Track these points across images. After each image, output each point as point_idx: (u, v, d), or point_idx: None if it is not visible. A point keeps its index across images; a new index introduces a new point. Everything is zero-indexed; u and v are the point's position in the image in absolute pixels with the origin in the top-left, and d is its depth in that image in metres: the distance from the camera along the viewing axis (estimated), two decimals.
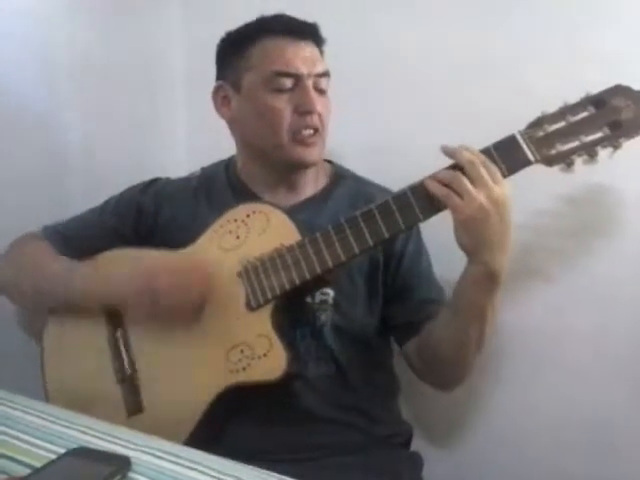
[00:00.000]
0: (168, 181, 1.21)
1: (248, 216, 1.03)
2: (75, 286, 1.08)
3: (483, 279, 0.92)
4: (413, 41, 1.24)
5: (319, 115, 1.04)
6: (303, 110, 1.03)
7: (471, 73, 1.19)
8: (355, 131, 1.26)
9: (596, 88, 1.02)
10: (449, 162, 0.92)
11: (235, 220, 1.03)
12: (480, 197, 0.86)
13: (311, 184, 1.12)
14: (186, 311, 1.01)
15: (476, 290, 0.93)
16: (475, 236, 0.89)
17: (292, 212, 1.04)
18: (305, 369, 1.05)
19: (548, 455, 1.20)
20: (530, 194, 1.02)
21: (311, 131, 1.04)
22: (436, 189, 0.90)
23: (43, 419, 0.78)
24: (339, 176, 1.15)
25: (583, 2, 1.09)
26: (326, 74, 1.06)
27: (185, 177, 1.21)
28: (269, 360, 0.96)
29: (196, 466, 0.68)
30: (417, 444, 1.18)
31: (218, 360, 0.99)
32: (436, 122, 1.22)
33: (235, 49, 1.07)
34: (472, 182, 0.87)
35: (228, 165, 1.18)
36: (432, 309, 1.06)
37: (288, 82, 1.03)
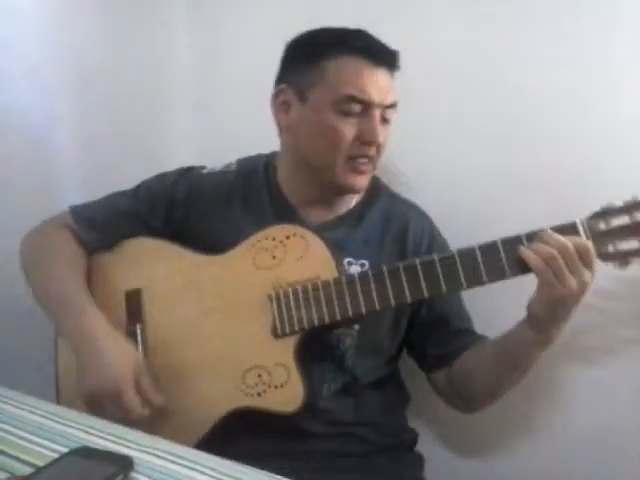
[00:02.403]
0: (202, 174, 1.15)
1: (288, 238, 1.01)
2: (63, 319, 1.04)
3: (543, 344, 0.93)
4: (415, 49, 1.23)
5: (378, 146, 1.02)
6: (366, 140, 1.00)
7: (473, 81, 1.19)
8: None
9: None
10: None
11: (274, 239, 1.01)
12: (573, 283, 0.86)
13: (347, 199, 1.11)
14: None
15: (532, 351, 0.95)
16: (554, 314, 0.89)
17: (326, 230, 1.04)
18: (320, 391, 1.03)
19: (554, 460, 1.19)
20: None
21: (366, 160, 1.02)
22: (533, 261, 0.87)
23: (46, 418, 0.78)
24: (375, 191, 1.13)
25: (587, 9, 1.09)
26: (394, 105, 1.04)
27: (221, 170, 1.15)
28: (286, 392, 0.96)
29: (198, 467, 0.68)
30: (421, 446, 1.17)
31: (233, 378, 0.98)
32: (438, 131, 1.22)
33: (309, 57, 1.03)
34: (567, 267, 0.86)
35: (268, 165, 1.14)
36: (466, 340, 1.07)
37: (357, 107, 0.99)
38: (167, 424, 1.00)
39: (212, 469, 0.67)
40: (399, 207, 1.13)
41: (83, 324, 1.01)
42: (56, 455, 0.69)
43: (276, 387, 0.96)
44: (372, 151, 1.02)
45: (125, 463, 0.67)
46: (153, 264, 1.10)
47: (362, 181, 1.04)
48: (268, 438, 1.02)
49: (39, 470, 0.66)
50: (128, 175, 1.21)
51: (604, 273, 0.91)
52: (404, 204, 1.15)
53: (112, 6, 1.43)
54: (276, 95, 1.07)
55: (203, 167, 1.17)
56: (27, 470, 0.66)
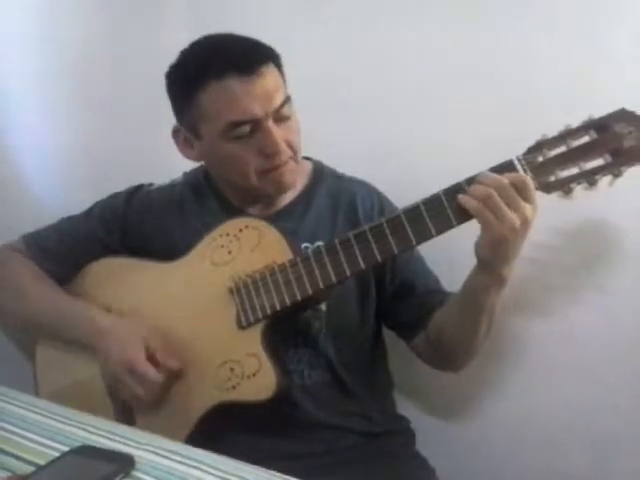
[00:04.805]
0: (151, 189, 1.17)
1: (240, 231, 1.01)
2: (65, 328, 1.08)
3: (496, 286, 0.93)
4: (416, 44, 1.22)
5: (287, 144, 0.99)
6: (268, 153, 0.99)
7: (474, 76, 1.18)
8: (355, 135, 1.24)
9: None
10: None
11: (227, 234, 1.02)
12: (513, 218, 0.85)
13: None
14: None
15: (488, 294, 0.94)
16: (500, 252, 0.89)
17: (275, 220, 1.03)
18: (301, 377, 1.04)
19: (544, 452, 1.19)
20: None
21: (281, 168, 1.01)
22: (469, 204, 0.87)
23: (47, 417, 0.78)
24: (318, 175, 1.13)
25: (592, 4, 1.09)
26: (286, 101, 1.00)
27: (168, 184, 1.18)
28: (258, 380, 0.96)
29: (200, 465, 0.68)
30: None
31: (208, 378, 0.99)
32: (438, 127, 1.21)
33: (184, 95, 1.01)
34: (506, 204, 0.86)
35: (207, 173, 1.14)
36: (435, 299, 1.06)
37: (246, 128, 0.97)
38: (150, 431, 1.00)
39: (213, 467, 0.67)
40: (345, 185, 1.13)
41: (84, 323, 1.05)
42: (57, 454, 0.69)
43: (249, 377, 0.96)
44: (282, 157, 1.00)
45: (126, 461, 0.67)
46: (118, 284, 1.11)
47: (287, 182, 1.03)
48: (263, 437, 1.02)
49: (40, 469, 0.66)
50: (129, 178, 1.21)
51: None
52: (350, 181, 1.14)
53: (112, 8, 1.42)
54: (175, 134, 1.08)
55: (151, 184, 1.19)
56: (28, 469, 0.66)
